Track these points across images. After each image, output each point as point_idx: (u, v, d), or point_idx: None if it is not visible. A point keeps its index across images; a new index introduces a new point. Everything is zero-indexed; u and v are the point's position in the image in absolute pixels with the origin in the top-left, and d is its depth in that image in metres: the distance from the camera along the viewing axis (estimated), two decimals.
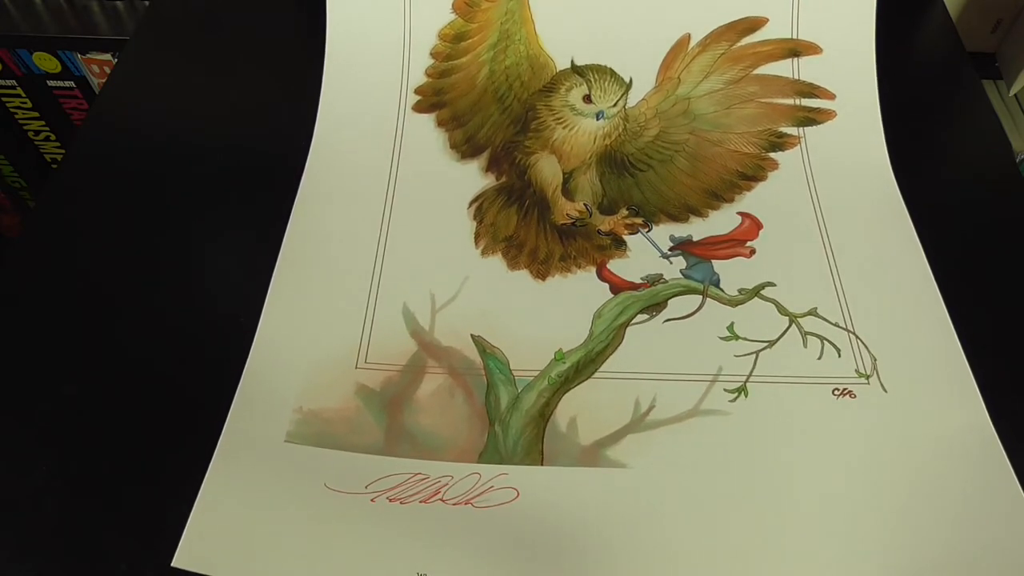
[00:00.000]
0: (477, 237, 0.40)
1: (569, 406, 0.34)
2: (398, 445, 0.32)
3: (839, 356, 0.35)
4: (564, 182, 0.42)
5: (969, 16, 0.56)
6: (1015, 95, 0.60)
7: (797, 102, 0.44)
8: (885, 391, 0.34)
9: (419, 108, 0.44)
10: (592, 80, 0.44)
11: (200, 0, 0.51)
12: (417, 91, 0.44)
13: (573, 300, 0.37)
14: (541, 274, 0.38)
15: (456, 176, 0.42)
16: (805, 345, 0.36)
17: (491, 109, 0.44)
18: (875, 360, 0.35)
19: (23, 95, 0.76)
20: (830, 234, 0.40)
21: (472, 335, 0.36)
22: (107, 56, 0.71)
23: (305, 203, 0.40)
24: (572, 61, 0.44)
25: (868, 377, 0.34)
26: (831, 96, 0.44)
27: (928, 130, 0.45)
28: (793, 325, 0.36)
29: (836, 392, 0.34)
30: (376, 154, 0.43)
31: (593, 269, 0.38)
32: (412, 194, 0.41)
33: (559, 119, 0.44)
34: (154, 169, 0.42)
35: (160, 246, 0.39)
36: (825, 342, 0.36)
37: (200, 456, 0.32)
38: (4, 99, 0.76)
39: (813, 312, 0.37)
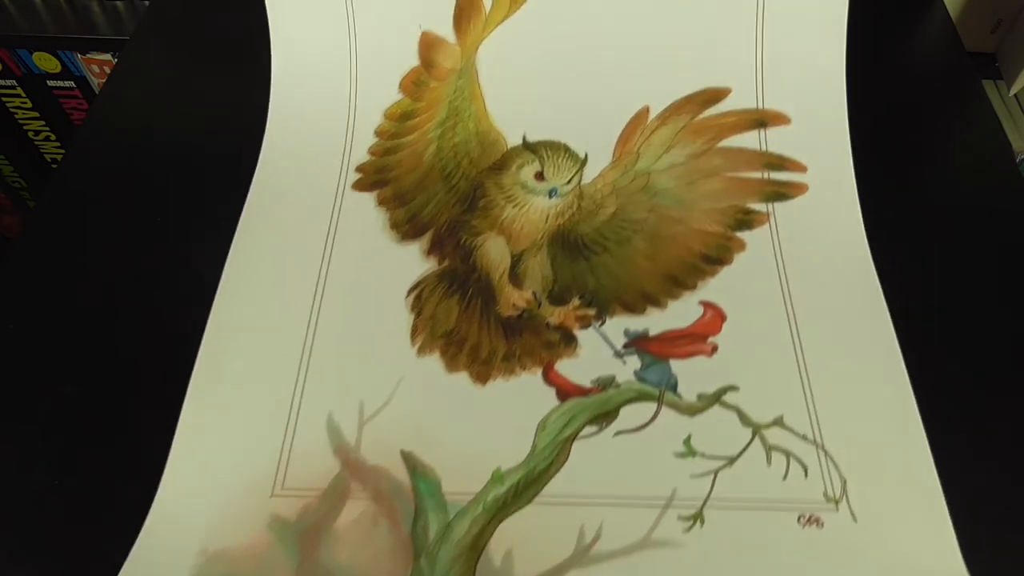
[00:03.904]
0: (414, 332, 0.36)
1: (505, 536, 0.30)
2: None
3: (806, 476, 0.32)
4: (512, 266, 0.39)
5: (969, 16, 0.56)
6: (1015, 95, 0.59)
7: (766, 175, 0.41)
8: (855, 520, 0.31)
9: (359, 186, 0.41)
10: (545, 156, 0.41)
11: (200, 0, 0.51)
12: (358, 169, 0.41)
13: (515, 408, 0.34)
14: (482, 376, 0.35)
15: (395, 259, 0.39)
16: (769, 463, 0.32)
17: (437, 187, 0.41)
18: (844, 482, 0.31)
19: (23, 95, 0.76)
20: (800, 328, 0.36)
21: (402, 451, 0.32)
22: (107, 56, 0.71)
23: (228, 291, 0.37)
24: (524, 137, 0.41)
25: (837, 502, 0.31)
26: (802, 168, 0.41)
27: (928, 130, 0.44)
28: (756, 437, 0.33)
29: (802, 519, 0.31)
30: (309, 235, 0.39)
31: (539, 371, 0.35)
32: (346, 282, 0.38)
33: (509, 197, 0.40)
34: (154, 169, 0.42)
35: (160, 247, 0.39)
36: (791, 459, 0.32)
37: None
38: (4, 99, 0.76)
39: (779, 422, 0.33)
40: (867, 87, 0.43)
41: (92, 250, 0.39)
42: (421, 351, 0.36)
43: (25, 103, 0.77)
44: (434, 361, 0.35)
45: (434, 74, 0.42)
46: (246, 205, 0.40)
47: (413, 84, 0.42)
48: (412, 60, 0.42)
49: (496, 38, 0.42)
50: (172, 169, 0.42)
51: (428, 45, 0.42)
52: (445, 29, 0.42)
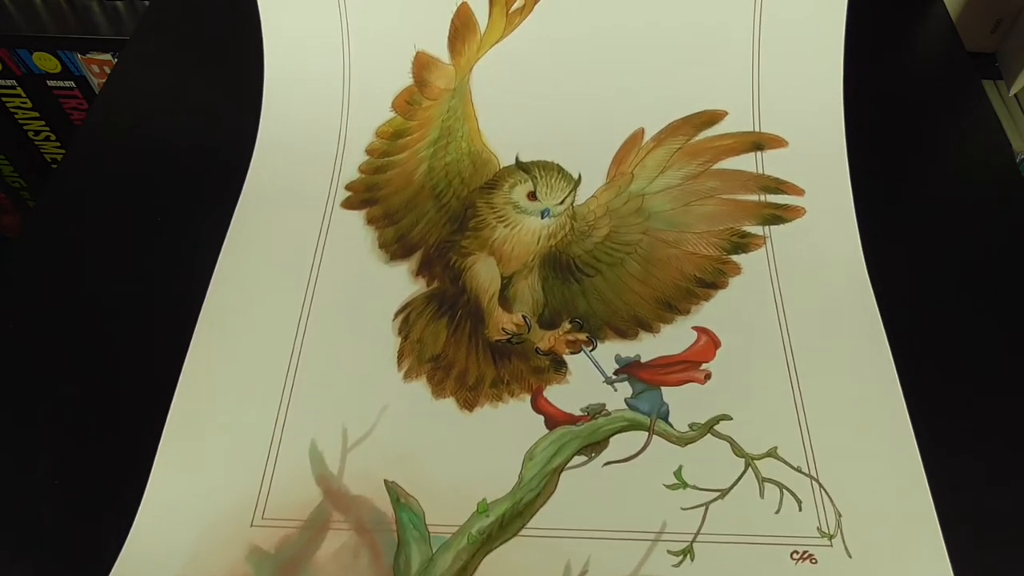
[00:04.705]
0: (401, 356, 0.35)
1: (490, 570, 0.30)
2: None
3: (800, 510, 0.31)
4: (502, 288, 0.38)
5: (969, 16, 0.56)
6: (1015, 95, 0.59)
7: (762, 198, 0.41)
8: (850, 557, 0.30)
9: (348, 204, 0.40)
10: (538, 176, 0.40)
11: (200, 0, 0.51)
12: (348, 187, 0.41)
13: (503, 436, 0.33)
14: (469, 403, 0.34)
15: (382, 280, 0.38)
16: (762, 495, 0.31)
17: (427, 206, 0.40)
18: (839, 517, 0.31)
19: (23, 95, 0.76)
20: (795, 355, 0.36)
21: (386, 481, 0.32)
22: (107, 56, 0.71)
23: (212, 309, 0.36)
24: (517, 157, 0.41)
25: (831, 538, 0.30)
26: (799, 191, 0.41)
27: (928, 130, 0.44)
28: (749, 469, 0.32)
29: (795, 556, 0.30)
30: (296, 255, 0.39)
31: (527, 397, 0.34)
32: (332, 302, 0.37)
33: (500, 217, 0.40)
34: (153, 169, 0.42)
35: (159, 247, 0.39)
36: (785, 491, 0.31)
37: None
38: (4, 99, 0.77)
39: (773, 453, 0.33)
40: (866, 87, 0.43)
41: (92, 250, 0.39)
42: (407, 376, 0.35)
43: (25, 103, 0.77)
44: (420, 387, 0.35)
45: (427, 93, 0.42)
46: (233, 221, 0.40)
47: (406, 103, 0.41)
48: (405, 79, 0.42)
49: (490, 59, 0.42)
50: (172, 169, 0.42)
51: (422, 64, 0.42)
52: (440, 49, 0.42)
